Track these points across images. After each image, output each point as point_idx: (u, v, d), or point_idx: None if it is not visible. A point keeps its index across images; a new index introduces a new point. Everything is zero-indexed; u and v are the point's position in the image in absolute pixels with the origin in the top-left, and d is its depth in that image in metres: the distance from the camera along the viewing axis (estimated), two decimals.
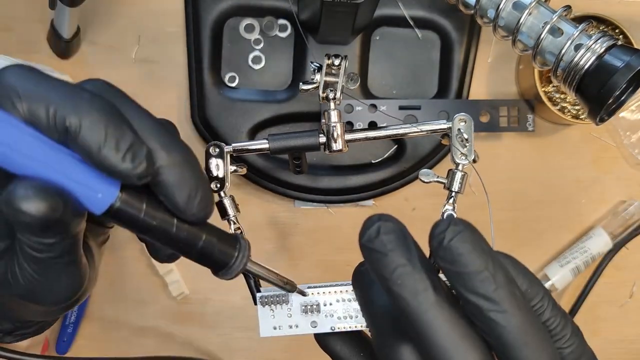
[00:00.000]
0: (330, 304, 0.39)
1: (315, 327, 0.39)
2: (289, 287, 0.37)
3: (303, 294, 0.38)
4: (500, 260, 0.28)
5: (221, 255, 0.31)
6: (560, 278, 0.60)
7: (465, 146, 0.40)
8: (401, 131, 0.42)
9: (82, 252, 0.30)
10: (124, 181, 0.26)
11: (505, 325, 0.26)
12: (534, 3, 0.43)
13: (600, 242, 0.60)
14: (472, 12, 0.47)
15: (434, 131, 0.42)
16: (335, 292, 0.39)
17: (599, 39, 0.42)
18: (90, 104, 0.25)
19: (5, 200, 0.24)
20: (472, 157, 0.40)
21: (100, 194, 0.26)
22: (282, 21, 0.59)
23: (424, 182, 0.41)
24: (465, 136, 0.40)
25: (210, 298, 0.61)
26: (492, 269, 0.27)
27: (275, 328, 0.39)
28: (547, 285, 0.60)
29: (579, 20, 0.49)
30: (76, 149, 0.25)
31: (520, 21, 0.44)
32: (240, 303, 0.61)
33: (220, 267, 0.32)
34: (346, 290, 0.39)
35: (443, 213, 0.40)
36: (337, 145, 0.42)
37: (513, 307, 0.26)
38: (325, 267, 0.61)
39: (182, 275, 0.60)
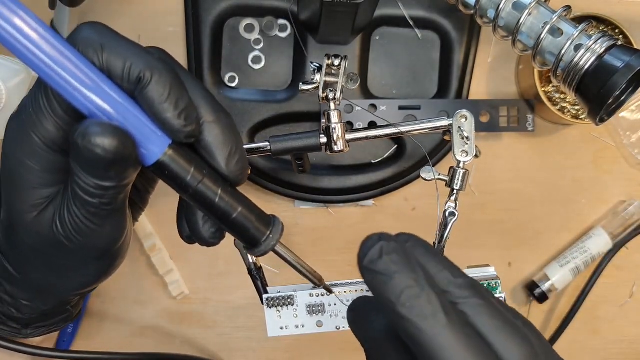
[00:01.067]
0: (335, 304, 0.40)
1: (320, 326, 0.40)
2: (317, 280, 0.37)
3: (329, 291, 0.38)
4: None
5: (254, 231, 0.32)
6: (560, 278, 0.60)
7: (467, 143, 0.40)
8: (402, 129, 0.42)
9: (127, 205, 0.33)
10: (173, 136, 0.29)
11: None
12: (533, 3, 0.43)
13: (600, 242, 0.60)
14: (472, 12, 0.47)
15: (435, 128, 0.42)
16: (339, 292, 0.39)
17: (598, 39, 0.42)
18: (160, 63, 0.29)
19: (82, 134, 0.27)
20: (474, 154, 0.40)
21: (153, 146, 0.29)
22: (282, 21, 0.59)
23: (425, 179, 0.41)
24: (466, 134, 0.40)
25: (210, 298, 0.61)
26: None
27: (282, 328, 0.40)
28: (546, 285, 0.60)
29: (578, 20, 0.49)
30: (141, 99, 0.28)
31: (520, 21, 0.44)
32: (240, 303, 0.61)
33: (252, 243, 0.33)
34: (350, 291, 0.39)
35: (445, 211, 0.40)
36: (339, 146, 0.42)
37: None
38: (325, 267, 0.60)
39: (182, 275, 0.60)
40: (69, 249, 0.32)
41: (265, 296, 0.39)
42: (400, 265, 0.25)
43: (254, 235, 0.32)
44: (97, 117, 0.28)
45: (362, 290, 0.40)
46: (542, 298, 0.60)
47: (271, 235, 0.33)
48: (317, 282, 0.37)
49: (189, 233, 0.35)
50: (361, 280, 0.39)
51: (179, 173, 0.29)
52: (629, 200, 0.61)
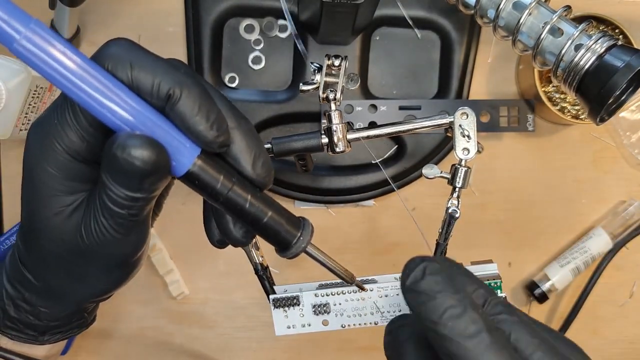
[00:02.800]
0: (340, 304, 0.40)
1: (326, 325, 0.41)
2: (348, 277, 0.37)
3: (362, 288, 0.39)
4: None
5: (285, 234, 0.33)
6: (560, 278, 0.60)
7: (468, 141, 0.40)
8: (403, 128, 0.42)
9: (150, 215, 0.33)
10: (207, 147, 0.30)
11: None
12: (534, 3, 0.43)
13: (600, 242, 0.60)
14: (472, 12, 0.47)
15: (436, 126, 0.41)
16: (343, 292, 0.40)
17: (599, 39, 0.42)
18: (188, 78, 0.29)
19: (121, 146, 0.27)
20: (475, 152, 0.40)
21: (182, 157, 0.29)
22: (282, 21, 0.59)
23: (428, 178, 0.41)
24: (467, 132, 0.40)
25: (210, 298, 0.61)
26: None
27: (289, 327, 0.41)
28: (547, 285, 0.60)
29: (579, 20, 0.49)
30: (172, 114, 0.29)
31: (520, 21, 0.44)
32: (240, 303, 0.61)
33: (283, 246, 0.33)
34: (354, 291, 0.40)
35: (448, 208, 0.40)
36: (340, 147, 0.42)
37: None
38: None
39: (182, 275, 0.60)
40: (91, 257, 0.33)
41: (271, 297, 0.40)
42: (443, 285, 0.26)
43: (285, 237, 0.33)
44: (125, 131, 0.28)
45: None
46: (542, 298, 0.60)
47: (301, 237, 0.33)
48: (349, 280, 0.37)
49: (219, 237, 0.35)
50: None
51: (209, 182, 0.30)
52: (629, 200, 0.61)
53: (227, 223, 0.34)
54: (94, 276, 0.35)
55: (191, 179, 0.30)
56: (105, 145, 0.28)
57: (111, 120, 0.28)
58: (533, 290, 0.61)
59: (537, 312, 0.62)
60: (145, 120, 0.28)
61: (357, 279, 0.38)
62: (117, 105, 0.28)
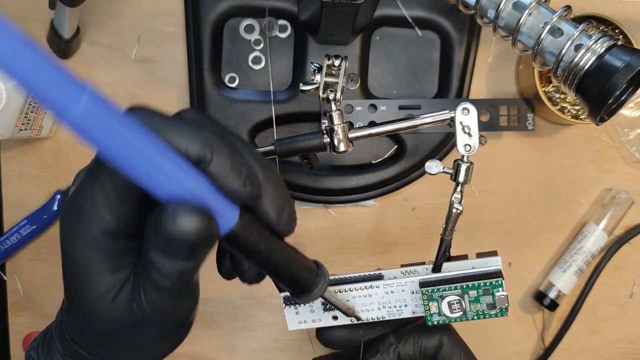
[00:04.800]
0: (348, 300, 0.41)
1: (336, 320, 0.42)
2: (351, 312, 0.41)
3: (359, 319, 0.42)
4: None
5: (305, 281, 0.33)
6: (565, 283, 0.60)
7: (470, 137, 0.40)
8: (405, 125, 0.42)
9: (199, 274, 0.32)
10: (243, 202, 0.29)
11: None
12: (534, 3, 0.43)
13: (595, 238, 0.60)
14: (472, 12, 0.47)
15: (438, 122, 0.42)
16: (351, 289, 0.41)
17: (599, 39, 0.42)
18: (214, 136, 0.28)
19: (171, 218, 0.26)
20: (477, 147, 0.40)
21: (223, 219, 0.28)
22: (282, 21, 0.59)
23: (431, 173, 0.41)
24: (467, 130, 0.40)
25: (210, 298, 0.61)
26: None
27: (300, 322, 0.42)
28: (554, 292, 0.60)
29: (579, 20, 0.49)
30: (206, 175, 0.28)
31: (520, 21, 0.44)
32: (240, 303, 0.61)
33: (301, 292, 0.34)
34: (362, 288, 0.41)
35: (452, 203, 0.41)
36: (342, 147, 0.42)
37: None
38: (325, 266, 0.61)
39: None
40: (146, 328, 0.32)
41: (282, 294, 0.41)
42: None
43: (303, 286, 0.33)
44: (179, 198, 0.26)
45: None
46: (553, 306, 0.60)
47: (320, 285, 0.34)
48: (351, 314, 0.41)
49: (229, 270, 0.35)
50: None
51: (245, 240, 0.29)
52: (613, 189, 0.61)
53: (242, 264, 0.34)
54: (151, 344, 0.34)
55: (231, 239, 0.29)
56: (150, 220, 0.27)
57: (166, 186, 0.26)
58: (542, 300, 0.60)
59: (538, 313, 0.62)
60: (196, 183, 0.27)
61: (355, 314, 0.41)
62: (170, 168, 0.26)
